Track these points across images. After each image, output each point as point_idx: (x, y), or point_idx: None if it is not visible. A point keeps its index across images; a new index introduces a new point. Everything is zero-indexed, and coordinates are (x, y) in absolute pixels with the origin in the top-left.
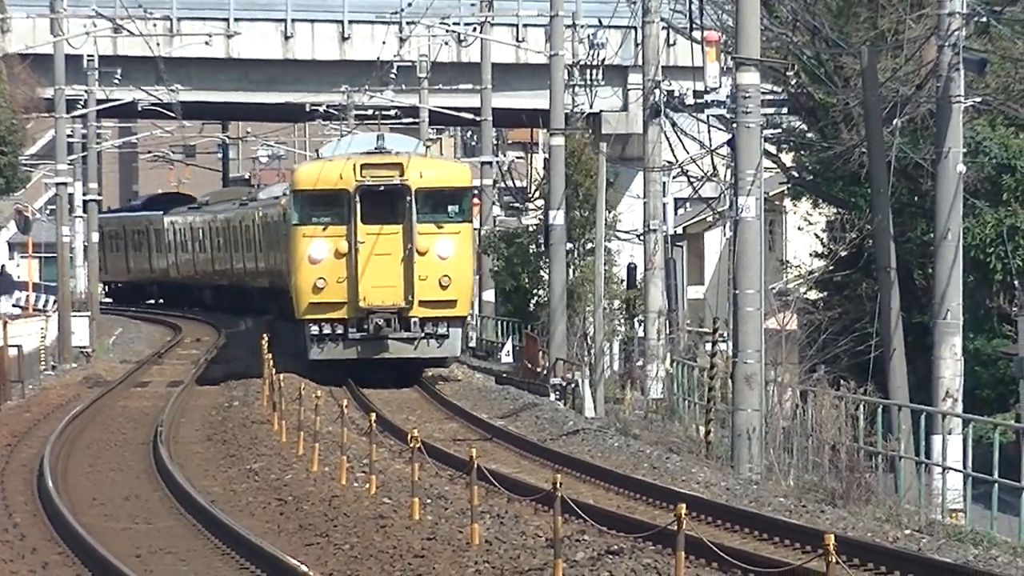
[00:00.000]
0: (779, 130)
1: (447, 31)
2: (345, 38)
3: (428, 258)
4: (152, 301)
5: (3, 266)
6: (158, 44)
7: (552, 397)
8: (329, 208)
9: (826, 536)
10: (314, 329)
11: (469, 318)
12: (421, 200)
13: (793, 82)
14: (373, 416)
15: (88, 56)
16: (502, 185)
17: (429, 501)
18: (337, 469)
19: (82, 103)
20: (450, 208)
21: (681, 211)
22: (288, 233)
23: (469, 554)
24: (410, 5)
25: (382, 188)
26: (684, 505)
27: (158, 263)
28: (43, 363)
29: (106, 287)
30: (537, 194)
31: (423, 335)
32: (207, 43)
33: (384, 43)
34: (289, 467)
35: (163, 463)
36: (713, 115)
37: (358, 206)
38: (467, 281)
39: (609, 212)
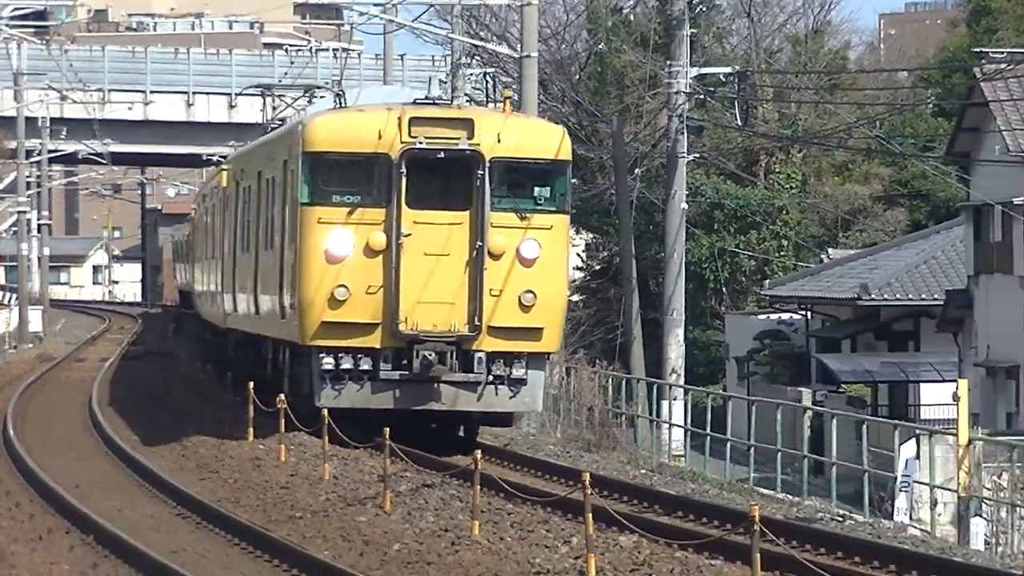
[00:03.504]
0: None
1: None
2: (232, 106)
3: (504, 263)
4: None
5: None
6: (94, 109)
7: None
8: (358, 181)
9: (583, 474)
10: (327, 361)
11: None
12: (498, 176)
13: None
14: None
15: (42, 118)
16: None
17: (292, 448)
18: (224, 424)
19: (37, 152)
20: (539, 191)
21: None
22: (290, 215)
23: (322, 486)
24: (285, 75)
25: (441, 155)
26: (479, 451)
27: None
28: (6, 344)
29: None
30: None
31: (492, 378)
32: (130, 108)
33: (262, 110)
34: (190, 423)
35: (96, 418)
36: None
37: (404, 180)
38: (559, 300)
39: None
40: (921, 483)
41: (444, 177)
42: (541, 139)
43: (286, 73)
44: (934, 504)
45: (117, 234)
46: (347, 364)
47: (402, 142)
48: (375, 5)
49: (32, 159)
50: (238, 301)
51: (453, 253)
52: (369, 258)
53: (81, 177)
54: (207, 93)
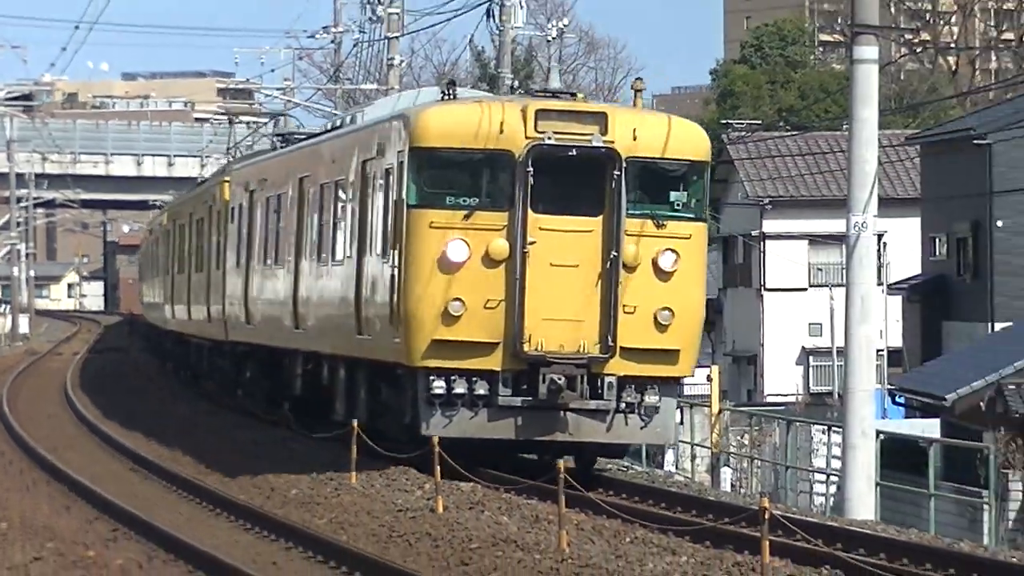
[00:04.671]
0: None
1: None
2: (171, 165)
3: (639, 276)
4: None
5: None
6: (67, 167)
7: None
8: (476, 181)
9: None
10: (437, 385)
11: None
12: (633, 178)
13: None
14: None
15: (28, 173)
16: None
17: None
18: (171, 398)
19: (24, 199)
20: (676, 195)
21: None
22: (397, 219)
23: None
24: (210, 142)
25: (572, 152)
26: None
27: None
28: (2, 342)
29: None
30: None
31: (623, 406)
32: (94, 166)
33: (196, 168)
34: (141, 400)
35: (70, 396)
36: None
37: (530, 180)
38: (697, 319)
39: None
40: (684, 442)
41: (573, 178)
42: (680, 137)
43: (210, 141)
44: (694, 457)
45: (85, 260)
46: (460, 388)
47: (527, 137)
48: (277, 89)
49: (21, 204)
50: (251, 313)
51: (582, 264)
52: (488, 268)
53: (58, 217)
54: (152, 155)
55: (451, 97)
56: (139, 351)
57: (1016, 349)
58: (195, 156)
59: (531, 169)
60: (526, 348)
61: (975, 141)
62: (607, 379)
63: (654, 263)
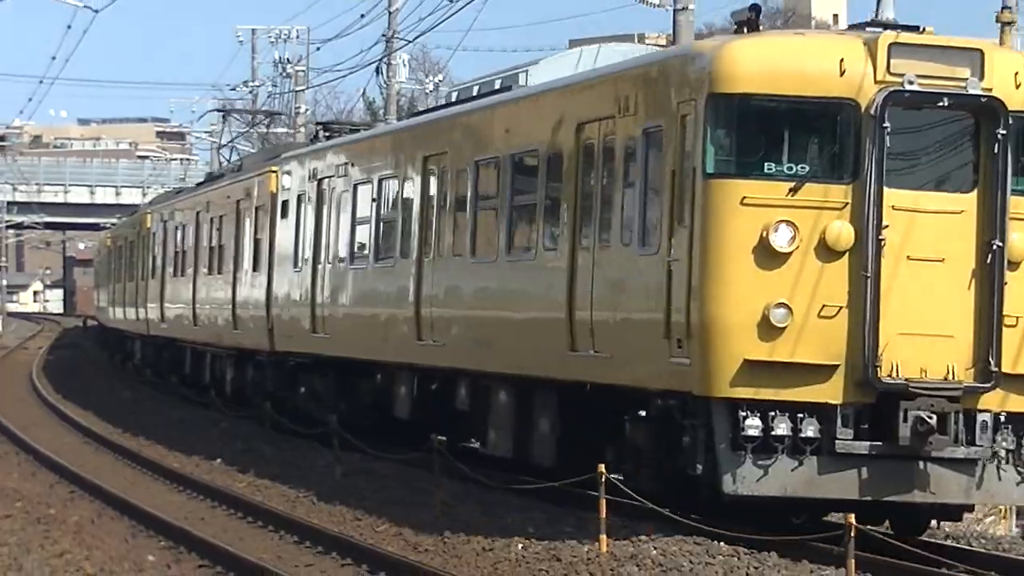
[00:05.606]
0: None
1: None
2: (118, 194)
3: None
4: None
5: None
6: (33, 196)
7: None
8: (805, 141)
9: None
10: (751, 424)
11: None
12: (1017, 140)
13: None
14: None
15: (1, 201)
16: None
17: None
18: (118, 384)
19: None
20: None
21: None
22: (683, 194)
23: None
24: (150, 175)
25: (943, 103)
26: None
27: None
28: None
29: None
30: None
31: (1001, 454)
32: (55, 195)
33: (139, 196)
34: (93, 386)
35: (35, 383)
36: None
37: (886, 140)
38: None
39: None
40: None
41: (938, 140)
42: None
43: (149, 175)
44: None
45: (48, 271)
46: (782, 428)
47: (878, 82)
48: (205, 132)
49: None
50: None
51: (950, 258)
52: (825, 262)
53: (25, 236)
54: (103, 186)
55: (753, 30)
56: (92, 346)
57: None
58: (138, 187)
59: (887, 125)
60: (880, 374)
61: None
62: (980, 416)
63: None
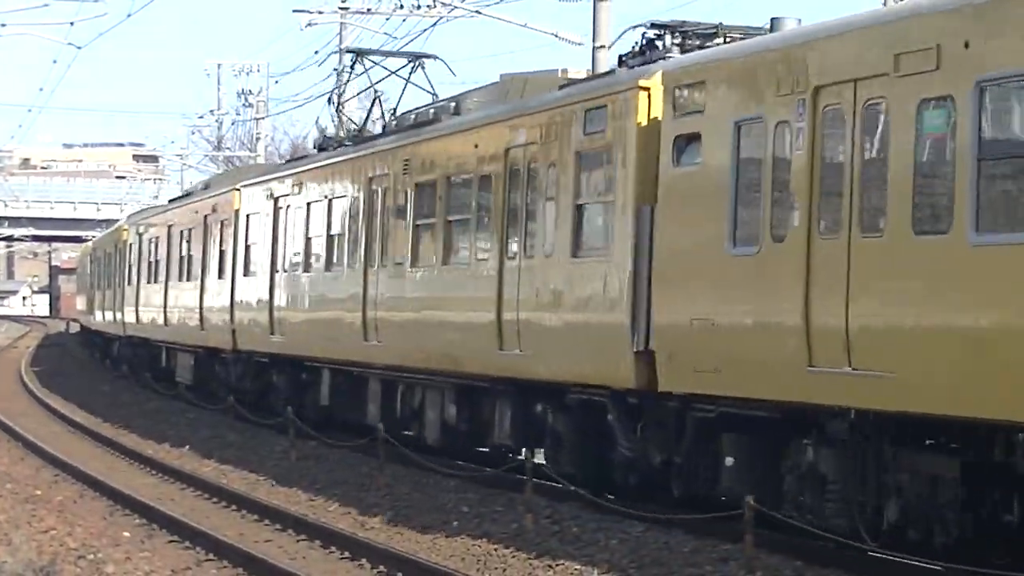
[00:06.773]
0: None
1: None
2: (98, 210)
3: None
4: None
5: None
6: (23, 211)
7: None
8: None
9: None
10: None
11: None
12: None
13: None
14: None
15: None
16: None
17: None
18: (99, 379)
19: None
20: None
21: None
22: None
23: None
24: (127, 193)
25: None
26: None
27: None
28: None
29: None
30: None
31: None
32: (42, 210)
33: (117, 212)
34: (76, 380)
35: (23, 378)
36: None
37: None
38: None
39: None
40: None
41: None
42: None
43: (126, 193)
44: None
45: (35, 279)
46: None
47: None
48: (176, 155)
49: None
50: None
51: None
52: None
53: (16, 247)
54: (85, 203)
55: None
56: (75, 345)
57: None
58: (116, 204)
59: None
60: None
61: None
62: None
63: None
